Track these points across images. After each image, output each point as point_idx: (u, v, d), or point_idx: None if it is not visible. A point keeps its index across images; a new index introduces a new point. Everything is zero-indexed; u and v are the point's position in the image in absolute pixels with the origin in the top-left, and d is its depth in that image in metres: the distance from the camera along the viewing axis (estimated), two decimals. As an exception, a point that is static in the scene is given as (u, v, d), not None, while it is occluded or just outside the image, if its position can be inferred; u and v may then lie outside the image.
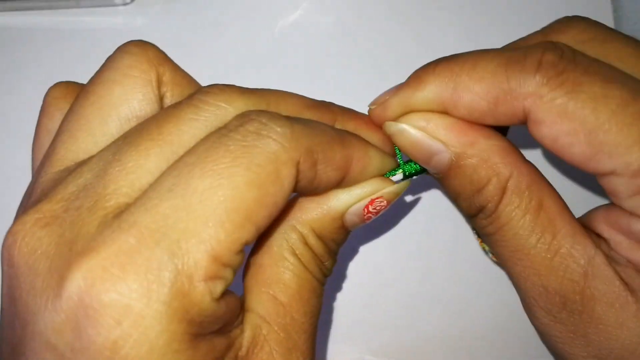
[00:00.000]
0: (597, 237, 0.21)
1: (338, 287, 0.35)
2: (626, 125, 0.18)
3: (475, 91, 0.20)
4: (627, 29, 0.40)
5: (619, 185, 0.19)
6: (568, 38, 0.21)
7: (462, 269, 0.36)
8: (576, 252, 0.20)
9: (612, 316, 0.19)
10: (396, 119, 0.22)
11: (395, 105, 0.22)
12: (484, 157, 0.21)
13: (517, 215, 0.20)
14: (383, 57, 0.39)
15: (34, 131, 0.37)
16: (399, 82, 0.39)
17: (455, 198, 0.23)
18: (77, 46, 0.38)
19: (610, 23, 0.40)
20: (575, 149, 0.19)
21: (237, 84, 0.38)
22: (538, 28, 0.40)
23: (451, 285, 0.35)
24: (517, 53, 0.20)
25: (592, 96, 0.18)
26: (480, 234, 0.23)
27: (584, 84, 0.19)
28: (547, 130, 0.20)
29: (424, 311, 0.35)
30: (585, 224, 0.22)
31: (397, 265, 0.35)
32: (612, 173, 0.19)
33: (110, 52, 0.39)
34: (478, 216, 0.22)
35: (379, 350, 0.34)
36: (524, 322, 0.35)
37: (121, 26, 0.39)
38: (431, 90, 0.21)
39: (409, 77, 0.23)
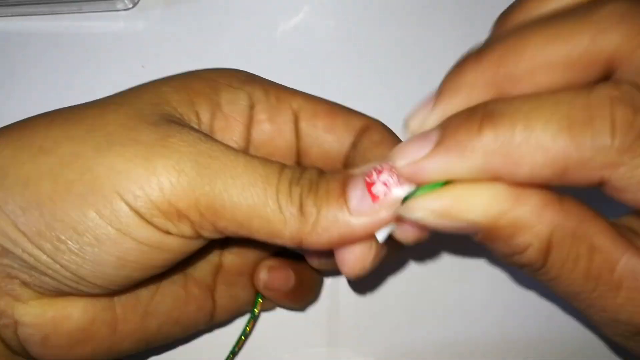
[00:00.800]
0: None
1: (343, 292, 0.35)
2: None
3: (537, 161, 0.17)
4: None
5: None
6: (617, 45, 0.17)
7: (468, 273, 0.36)
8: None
9: None
10: (430, 180, 0.19)
11: (431, 172, 0.19)
12: (519, 225, 0.18)
13: (568, 268, 0.18)
14: (384, 61, 0.39)
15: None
16: (399, 85, 0.39)
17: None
18: (79, 51, 0.39)
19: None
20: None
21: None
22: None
23: (456, 290, 0.35)
24: (576, 108, 0.16)
25: None
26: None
27: None
28: (631, 196, 0.17)
29: (428, 316, 0.35)
30: None
31: (402, 270, 0.35)
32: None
33: (112, 56, 0.39)
34: (523, 269, 0.20)
35: (383, 355, 0.34)
36: (529, 326, 0.35)
37: (123, 31, 0.39)
38: (478, 159, 0.17)
39: (447, 137, 0.19)
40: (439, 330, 0.35)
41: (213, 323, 0.28)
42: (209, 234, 0.21)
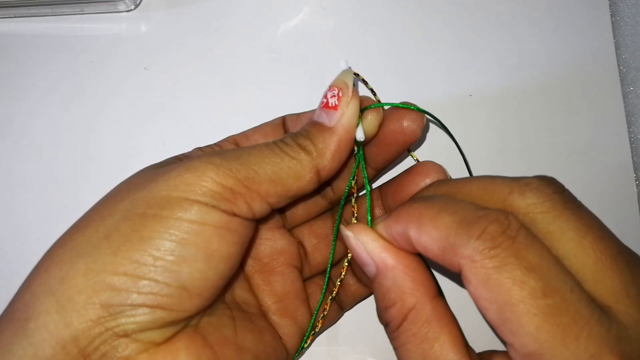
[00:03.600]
0: None
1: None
2: (530, 314, 0.20)
3: (432, 236, 0.23)
4: (624, 33, 0.41)
5: (514, 356, 0.22)
6: (525, 205, 0.23)
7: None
8: None
9: None
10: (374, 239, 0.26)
11: (379, 227, 0.26)
12: (398, 283, 0.24)
13: (413, 342, 0.24)
14: (383, 61, 0.39)
15: (37, 136, 0.38)
16: (398, 85, 0.39)
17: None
18: (81, 52, 0.39)
19: (608, 27, 0.40)
20: (488, 314, 0.22)
21: (240, 88, 0.38)
22: (536, 32, 0.40)
23: (454, 288, 0.36)
24: (472, 215, 0.22)
25: (512, 277, 0.21)
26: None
27: (509, 264, 0.21)
28: (472, 289, 0.22)
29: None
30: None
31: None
32: (510, 345, 0.22)
33: (114, 58, 0.39)
34: (386, 327, 0.25)
35: (381, 353, 0.34)
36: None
37: (125, 32, 0.39)
38: (401, 227, 0.24)
39: (396, 211, 0.25)
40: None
41: (290, 353, 0.31)
42: (258, 206, 0.26)
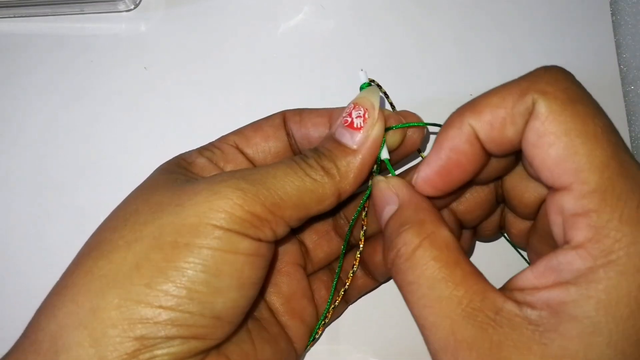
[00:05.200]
0: (510, 292, 0.23)
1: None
2: (601, 148, 0.20)
3: (493, 103, 0.24)
4: (624, 32, 0.41)
5: (565, 202, 0.21)
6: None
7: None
8: (486, 304, 0.22)
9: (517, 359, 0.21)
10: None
11: (437, 166, 0.25)
12: (419, 212, 0.25)
13: (433, 265, 0.23)
14: (383, 60, 0.39)
15: (37, 136, 0.38)
16: (398, 85, 0.39)
17: (384, 234, 0.25)
18: (81, 52, 0.39)
19: (609, 27, 0.40)
20: (553, 150, 0.21)
21: (240, 88, 0.38)
22: (536, 31, 0.40)
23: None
24: (524, 79, 0.24)
25: (587, 111, 0.21)
26: (387, 269, 0.25)
27: (584, 98, 0.22)
28: (539, 125, 0.21)
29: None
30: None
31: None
32: (566, 188, 0.21)
33: (114, 58, 0.39)
34: (395, 257, 0.24)
35: (382, 352, 0.34)
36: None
37: (125, 32, 0.39)
38: (457, 125, 0.24)
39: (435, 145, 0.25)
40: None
41: (299, 353, 0.31)
42: (282, 229, 0.26)
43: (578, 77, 0.42)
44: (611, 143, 0.21)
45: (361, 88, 0.29)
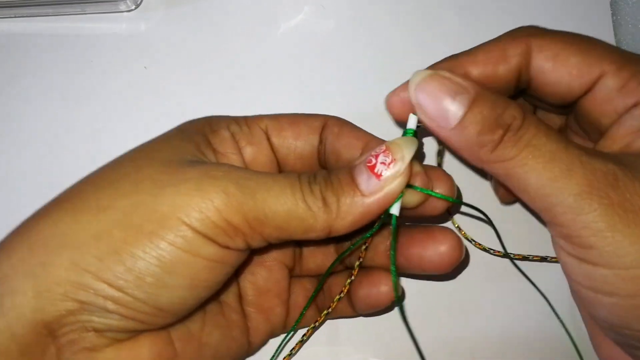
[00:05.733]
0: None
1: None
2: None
3: (486, 47, 0.28)
4: (625, 32, 0.41)
5: (608, 85, 0.25)
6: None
7: (468, 273, 0.36)
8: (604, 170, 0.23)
9: None
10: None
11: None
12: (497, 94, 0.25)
13: (542, 126, 0.24)
14: (383, 61, 0.39)
15: (37, 136, 0.38)
16: (398, 82, 0.39)
17: (474, 137, 0.24)
18: (82, 52, 0.39)
19: (609, 26, 0.40)
20: (572, 58, 0.25)
21: (240, 87, 0.38)
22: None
23: (455, 288, 0.35)
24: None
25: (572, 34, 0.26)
26: (497, 171, 0.24)
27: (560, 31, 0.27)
28: (547, 52, 0.25)
29: (427, 313, 0.35)
30: None
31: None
32: (600, 75, 0.25)
33: (115, 58, 0.39)
34: (501, 144, 0.24)
35: (382, 352, 0.34)
36: (529, 326, 0.35)
37: (125, 32, 0.39)
38: (449, 64, 0.28)
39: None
40: (439, 328, 0.35)
41: (252, 347, 0.31)
42: (257, 243, 0.25)
43: (579, 77, 0.41)
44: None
45: (405, 132, 0.27)
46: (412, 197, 0.26)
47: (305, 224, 0.24)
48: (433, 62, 0.39)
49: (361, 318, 0.34)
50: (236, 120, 0.29)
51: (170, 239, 0.23)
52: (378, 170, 0.24)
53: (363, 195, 0.25)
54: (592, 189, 0.22)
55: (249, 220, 0.24)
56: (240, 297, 0.30)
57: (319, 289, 0.31)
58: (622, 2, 0.41)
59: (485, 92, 0.24)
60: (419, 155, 0.25)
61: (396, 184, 0.25)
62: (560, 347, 0.35)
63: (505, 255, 0.33)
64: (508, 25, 0.40)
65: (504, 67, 0.26)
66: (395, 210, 0.26)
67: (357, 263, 0.29)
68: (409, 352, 0.34)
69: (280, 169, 0.30)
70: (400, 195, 0.25)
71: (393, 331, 0.34)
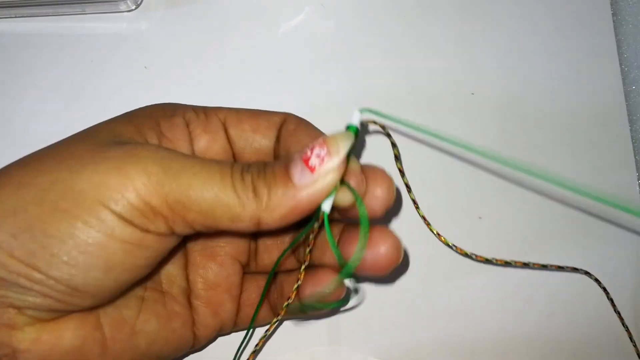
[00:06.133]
0: None
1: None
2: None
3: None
4: (625, 32, 0.41)
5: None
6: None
7: (467, 272, 0.36)
8: None
9: None
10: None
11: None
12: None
13: None
14: (384, 60, 0.39)
15: (37, 135, 0.37)
16: (398, 85, 0.39)
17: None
18: (82, 52, 0.39)
19: (609, 26, 0.40)
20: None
21: (240, 87, 0.38)
22: (537, 31, 0.40)
23: (455, 288, 0.35)
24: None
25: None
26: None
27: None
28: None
29: (427, 314, 0.35)
30: None
31: (401, 268, 0.35)
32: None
33: (115, 57, 0.39)
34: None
35: (384, 353, 0.34)
36: (529, 326, 0.35)
37: (126, 32, 0.39)
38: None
39: None
40: (440, 328, 0.35)
41: (198, 341, 0.30)
42: (181, 229, 0.24)
43: (579, 77, 0.42)
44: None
45: (347, 127, 0.26)
46: (346, 196, 0.25)
47: (232, 212, 0.23)
48: (433, 62, 0.39)
49: (361, 318, 0.34)
50: (194, 108, 0.29)
51: (84, 218, 0.22)
52: (312, 163, 0.24)
53: (295, 188, 0.24)
54: None
55: (170, 202, 0.23)
56: (187, 290, 0.30)
57: (266, 289, 0.30)
58: (622, 2, 0.41)
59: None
60: (356, 153, 0.25)
61: (328, 179, 0.24)
62: (561, 347, 0.35)
63: (487, 261, 0.33)
64: (509, 25, 0.40)
65: None
66: (326, 206, 0.25)
67: (303, 267, 0.27)
68: (408, 351, 0.34)
69: (235, 160, 0.29)
70: (333, 191, 0.24)
71: (393, 331, 0.35)
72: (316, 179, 0.24)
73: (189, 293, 0.30)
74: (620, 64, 0.39)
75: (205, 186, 0.23)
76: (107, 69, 0.38)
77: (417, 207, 0.32)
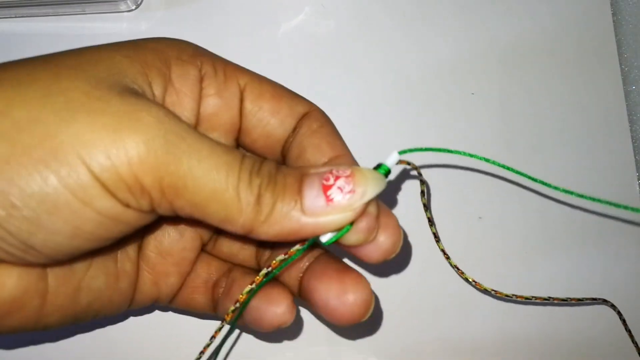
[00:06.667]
0: None
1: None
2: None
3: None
4: (625, 32, 0.41)
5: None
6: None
7: (468, 273, 0.36)
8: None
9: None
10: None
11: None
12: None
13: None
14: (384, 60, 0.39)
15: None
16: (398, 85, 0.39)
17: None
18: (82, 52, 0.39)
19: (610, 26, 0.40)
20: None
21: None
22: (538, 30, 0.40)
23: (455, 288, 0.36)
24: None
25: None
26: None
27: None
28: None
29: (429, 314, 0.35)
30: None
31: (403, 268, 0.35)
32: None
33: (115, 58, 0.39)
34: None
35: (384, 353, 0.34)
36: (529, 327, 0.35)
37: (126, 32, 0.39)
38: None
39: None
40: (440, 328, 0.35)
41: (132, 307, 0.27)
42: (163, 211, 0.21)
43: (579, 77, 0.42)
44: None
45: (379, 166, 0.23)
46: (352, 236, 0.23)
47: (226, 212, 0.21)
48: (433, 62, 0.39)
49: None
50: (214, 61, 0.25)
51: (60, 175, 0.19)
52: (331, 193, 0.21)
53: (303, 211, 0.21)
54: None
55: (163, 185, 0.20)
56: (139, 249, 0.27)
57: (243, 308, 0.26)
58: (622, 2, 0.41)
59: None
60: (379, 197, 0.22)
61: (342, 218, 0.21)
62: (561, 347, 0.35)
63: (508, 297, 0.32)
64: (509, 25, 0.40)
65: None
66: (325, 239, 0.22)
67: (263, 273, 0.24)
68: (408, 351, 0.35)
69: (240, 136, 0.27)
70: (346, 229, 0.22)
71: (393, 331, 0.35)
72: (329, 213, 0.21)
73: (139, 252, 0.27)
74: (620, 64, 0.39)
75: (207, 177, 0.20)
76: (107, 69, 0.38)
77: (437, 241, 0.31)
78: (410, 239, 0.36)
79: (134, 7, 0.39)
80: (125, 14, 0.39)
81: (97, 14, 0.39)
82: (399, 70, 0.39)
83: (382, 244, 0.23)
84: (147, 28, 0.39)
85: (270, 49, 0.39)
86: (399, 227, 0.24)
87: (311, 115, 0.26)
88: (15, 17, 0.39)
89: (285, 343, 0.34)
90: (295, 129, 0.26)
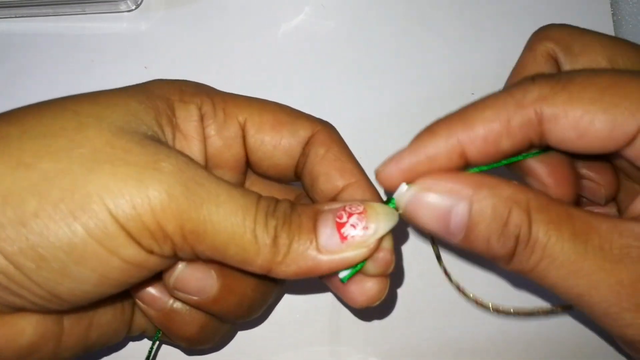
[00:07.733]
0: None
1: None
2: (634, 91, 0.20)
3: (486, 117, 0.21)
4: (625, 32, 0.41)
5: None
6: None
7: (468, 273, 0.36)
8: (629, 235, 0.20)
9: None
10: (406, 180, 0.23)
11: (406, 164, 0.23)
12: (497, 193, 0.21)
13: (553, 231, 0.21)
14: (383, 61, 0.39)
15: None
16: (398, 85, 0.39)
17: (485, 249, 0.22)
18: (82, 51, 0.39)
19: (610, 26, 0.40)
20: (597, 124, 0.20)
21: (240, 88, 0.38)
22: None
23: (455, 289, 0.35)
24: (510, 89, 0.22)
25: (588, 81, 0.21)
26: (523, 276, 0.22)
27: (575, 77, 0.21)
28: (564, 120, 0.21)
29: (429, 315, 0.35)
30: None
31: (402, 269, 0.35)
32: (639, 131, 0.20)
33: (115, 57, 0.39)
34: (515, 256, 0.21)
35: (385, 354, 0.34)
36: (529, 327, 0.35)
37: (126, 31, 0.39)
38: (444, 136, 0.22)
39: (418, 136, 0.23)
40: (440, 329, 0.35)
41: (129, 334, 0.28)
42: (185, 255, 0.22)
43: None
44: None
45: (389, 201, 0.23)
46: (371, 268, 0.24)
47: (245, 255, 0.21)
48: (432, 62, 0.39)
49: (363, 317, 0.34)
50: (212, 99, 0.26)
51: (88, 226, 0.19)
52: (345, 231, 0.22)
53: (318, 250, 0.22)
54: (620, 301, 0.20)
55: (185, 231, 0.21)
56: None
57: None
58: (622, 2, 0.41)
59: (480, 192, 0.21)
60: (393, 231, 0.23)
61: (357, 254, 0.22)
62: (560, 347, 0.35)
63: (510, 313, 0.32)
64: (509, 25, 0.40)
65: (507, 142, 0.22)
66: (343, 275, 0.23)
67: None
68: (409, 351, 0.34)
69: (252, 167, 0.28)
70: (360, 265, 0.23)
71: (393, 331, 0.34)
72: (344, 250, 0.22)
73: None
74: (620, 64, 0.39)
75: (225, 222, 0.21)
76: (107, 69, 0.38)
77: (449, 279, 0.31)
78: (411, 241, 0.36)
79: (134, 7, 0.39)
80: (125, 14, 0.39)
81: (97, 14, 0.39)
82: (398, 70, 0.39)
83: (366, 289, 0.24)
84: (147, 28, 0.39)
85: (271, 49, 0.39)
86: (387, 278, 0.25)
87: (316, 138, 0.26)
88: (15, 17, 0.39)
89: (286, 343, 0.34)
90: (303, 154, 0.26)
